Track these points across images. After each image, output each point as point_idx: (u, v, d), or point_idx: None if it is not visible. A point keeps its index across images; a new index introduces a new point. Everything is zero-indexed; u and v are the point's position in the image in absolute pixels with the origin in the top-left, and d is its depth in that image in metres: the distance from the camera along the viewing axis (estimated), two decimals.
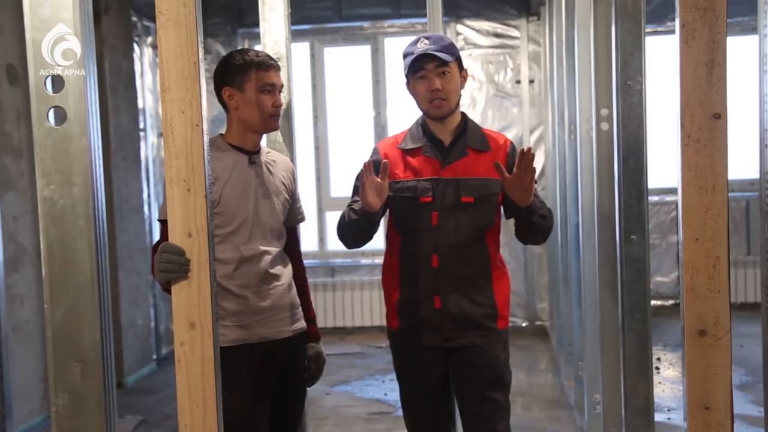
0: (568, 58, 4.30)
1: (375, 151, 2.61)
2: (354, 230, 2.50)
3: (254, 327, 2.35)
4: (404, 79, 2.59)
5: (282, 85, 2.44)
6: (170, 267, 1.82)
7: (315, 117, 6.79)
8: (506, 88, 6.60)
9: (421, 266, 2.49)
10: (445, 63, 2.46)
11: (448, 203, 2.47)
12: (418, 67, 2.47)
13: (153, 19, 6.02)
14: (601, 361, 3.22)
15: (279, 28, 2.69)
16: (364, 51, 6.80)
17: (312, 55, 6.77)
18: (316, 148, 6.79)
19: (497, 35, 6.60)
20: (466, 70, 2.57)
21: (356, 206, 2.44)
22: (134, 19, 5.76)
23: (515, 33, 6.58)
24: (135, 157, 5.70)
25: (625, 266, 2.60)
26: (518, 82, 6.59)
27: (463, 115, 2.59)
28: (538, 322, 6.59)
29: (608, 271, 3.12)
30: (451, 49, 2.50)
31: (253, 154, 2.41)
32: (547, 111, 5.89)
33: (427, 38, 2.51)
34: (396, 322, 2.57)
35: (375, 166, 2.51)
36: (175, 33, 1.82)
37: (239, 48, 2.41)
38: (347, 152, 6.83)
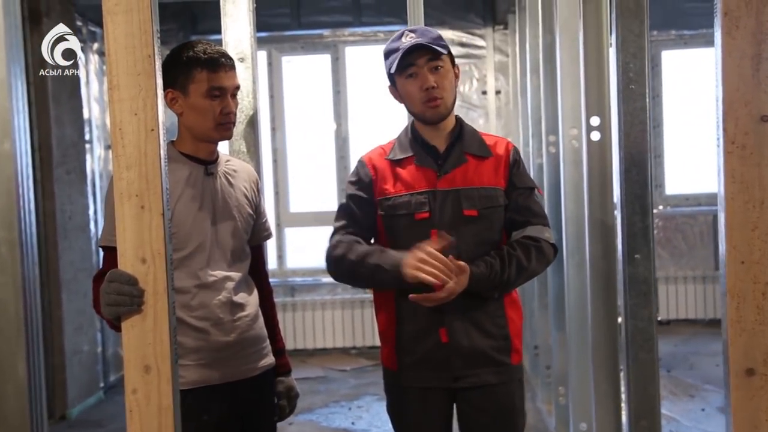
0: (546, 65, 4.08)
1: (362, 165, 2.26)
2: (367, 279, 2.15)
3: (216, 366, 2.03)
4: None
5: (237, 87, 2.09)
6: (120, 299, 1.51)
7: (273, 128, 6.49)
8: (472, 99, 6.40)
9: None
10: (437, 56, 2.13)
11: (448, 218, 2.14)
12: (407, 63, 2.13)
13: (99, 23, 5.58)
14: (594, 391, 2.97)
15: (242, 24, 2.41)
16: (324, 60, 6.52)
17: (270, 64, 6.47)
18: (274, 160, 6.48)
19: (462, 44, 6.39)
20: (458, 67, 2.24)
21: (388, 260, 2.07)
22: (79, 23, 5.39)
23: (481, 42, 6.38)
24: (80, 171, 5.32)
25: (628, 288, 2.37)
26: (484, 92, 6.39)
27: (457, 118, 2.28)
28: None
29: (602, 292, 2.88)
30: (442, 42, 2.17)
31: (209, 164, 2.09)
32: (516, 122, 5.69)
33: (412, 31, 2.18)
34: (395, 362, 2.22)
35: (366, 183, 2.22)
36: (125, 20, 1.53)
37: (190, 41, 2.07)
38: (307, 165, 6.55)
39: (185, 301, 2.00)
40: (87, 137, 5.50)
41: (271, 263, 6.28)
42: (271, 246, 6.44)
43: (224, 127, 2.06)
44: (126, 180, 1.53)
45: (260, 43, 6.34)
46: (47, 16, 4.92)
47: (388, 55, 2.19)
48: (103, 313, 1.62)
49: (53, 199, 4.92)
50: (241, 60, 2.41)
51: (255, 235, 2.22)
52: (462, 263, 2.02)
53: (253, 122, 2.43)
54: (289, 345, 6.21)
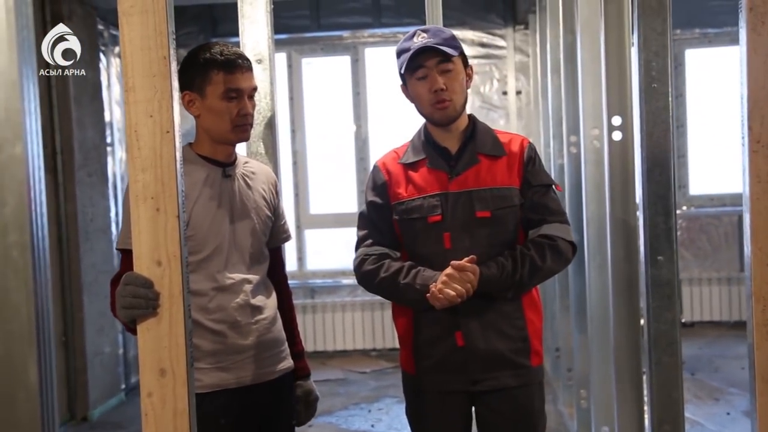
0: (567, 65, 4.04)
1: (376, 170, 2.24)
2: (396, 296, 2.17)
3: (234, 369, 2.02)
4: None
5: (254, 89, 2.08)
6: (135, 302, 1.50)
7: (293, 130, 6.48)
8: (492, 99, 6.36)
9: None
10: (448, 58, 2.11)
11: (461, 221, 2.11)
12: (417, 64, 2.11)
13: None
14: (616, 394, 2.93)
15: (260, 26, 2.39)
16: (343, 62, 6.51)
17: (289, 66, 6.47)
18: (294, 162, 6.48)
19: (482, 45, 6.35)
20: (471, 68, 2.22)
21: (419, 280, 2.07)
22: (100, 27, 5.42)
23: (501, 42, 6.33)
24: (101, 174, 5.35)
25: (651, 291, 2.32)
26: (505, 93, 6.34)
27: (471, 117, 2.25)
28: None
29: (625, 295, 2.83)
30: (454, 42, 2.14)
31: (227, 165, 2.08)
32: (537, 123, 5.64)
33: (424, 31, 2.15)
34: (413, 365, 2.20)
35: (381, 188, 2.21)
36: (140, 21, 1.52)
37: (207, 42, 2.06)
38: (327, 167, 6.54)
39: (203, 304, 1.99)
40: (108, 140, 5.52)
41: (291, 265, 6.28)
42: (291, 248, 6.47)
43: (241, 128, 2.05)
44: (141, 182, 1.52)
45: (280, 44, 6.35)
46: (69, 19, 4.95)
47: (399, 54, 2.17)
48: (118, 316, 1.61)
49: (74, 201, 4.94)
50: (259, 62, 2.40)
51: (273, 237, 2.21)
52: (469, 265, 2.01)
53: (271, 124, 2.42)
54: (309, 347, 6.21)
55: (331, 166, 6.55)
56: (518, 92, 6.31)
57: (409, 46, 2.13)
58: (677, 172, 6.52)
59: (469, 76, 2.21)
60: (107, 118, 5.51)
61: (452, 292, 1.99)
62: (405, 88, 2.21)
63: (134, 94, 1.52)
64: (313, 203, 6.49)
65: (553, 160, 4.71)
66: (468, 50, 6.27)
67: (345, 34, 6.45)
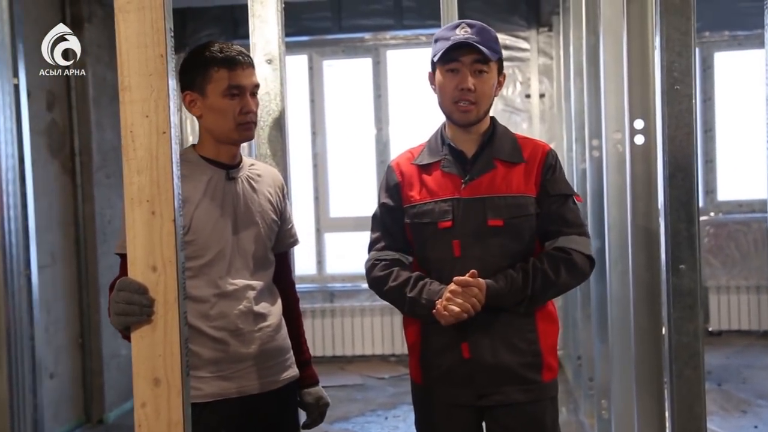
0: (590, 68, 3.95)
1: (390, 170, 2.18)
2: (403, 308, 2.10)
3: (235, 378, 1.96)
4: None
5: (256, 86, 2.02)
6: (129, 309, 1.45)
7: (313, 133, 6.44)
8: (515, 102, 6.26)
9: None
10: (485, 60, 2.03)
11: (472, 228, 2.03)
12: (452, 57, 2.02)
13: None
14: (637, 406, 2.83)
15: (271, 25, 2.34)
16: (365, 64, 6.46)
17: (310, 68, 6.43)
18: (315, 165, 6.43)
19: (505, 47, 6.25)
20: (504, 76, 2.14)
21: (425, 295, 2.01)
22: None
23: (524, 45, 6.24)
24: (120, 175, 5.30)
25: (672, 301, 2.23)
26: (528, 96, 6.24)
27: (493, 120, 2.16)
28: None
29: (646, 304, 2.74)
30: (496, 46, 2.06)
31: (231, 168, 2.03)
32: (560, 126, 5.55)
33: (470, 26, 2.05)
34: (419, 375, 2.13)
35: (394, 190, 2.14)
36: (137, 17, 1.47)
37: (207, 41, 2.02)
38: (347, 170, 6.49)
39: (204, 311, 1.93)
40: None
41: (310, 269, 6.23)
42: (310, 251, 6.43)
43: (245, 126, 1.99)
44: (137, 185, 1.48)
45: (301, 46, 6.33)
46: (89, 21, 4.95)
47: (437, 40, 2.09)
48: (113, 323, 1.56)
49: (92, 203, 4.94)
50: (269, 62, 2.35)
51: (280, 241, 2.15)
52: (472, 280, 1.94)
53: (280, 126, 2.36)
54: (328, 351, 6.16)
55: (351, 170, 6.50)
56: (542, 95, 6.21)
57: (449, 35, 2.04)
58: (705, 178, 6.42)
59: (501, 84, 2.13)
60: None
61: (456, 309, 1.93)
62: (432, 75, 2.13)
63: (130, 93, 1.47)
64: (333, 206, 6.44)
65: (575, 165, 4.62)
66: None
67: (366, 36, 6.39)
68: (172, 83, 1.48)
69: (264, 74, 2.33)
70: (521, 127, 6.21)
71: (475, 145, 2.11)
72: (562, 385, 5.47)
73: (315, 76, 6.45)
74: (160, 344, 1.48)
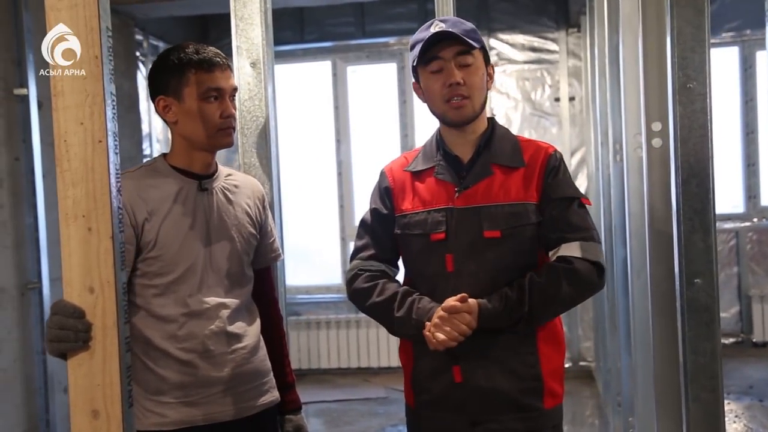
0: (612, 68, 3.76)
1: (382, 176, 2.05)
2: (388, 326, 1.93)
3: (203, 404, 1.82)
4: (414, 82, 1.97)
5: (234, 89, 1.90)
6: (62, 334, 1.34)
7: (338, 140, 6.33)
8: (544, 106, 6.06)
9: None
10: (467, 50, 1.85)
11: (466, 241, 1.85)
12: (433, 55, 1.86)
13: (161, 37, 5.52)
14: (657, 426, 2.64)
15: (254, 26, 2.21)
16: (389, 69, 6.32)
17: (334, 74, 6.32)
18: (339, 173, 6.32)
19: (534, 49, 6.07)
20: (492, 66, 1.95)
21: (415, 315, 1.84)
22: (139, 37, 5.37)
23: (553, 47, 6.04)
24: None
25: (687, 318, 2.04)
26: (557, 99, 6.03)
27: (491, 121, 1.99)
28: (582, 363, 5.96)
29: (666, 317, 2.54)
30: (475, 35, 1.88)
31: (204, 178, 1.90)
32: (590, 130, 5.34)
33: (442, 21, 1.89)
34: (412, 398, 1.97)
35: (385, 195, 2.00)
36: (69, 15, 1.35)
37: (178, 44, 1.89)
38: (372, 178, 6.34)
39: (171, 331, 1.80)
40: (147, 151, 5.46)
41: (335, 278, 6.09)
42: (335, 261, 6.31)
43: (225, 132, 1.87)
44: (71, 198, 1.36)
45: (324, 52, 6.23)
46: None
47: (413, 46, 1.91)
48: (47, 350, 1.44)
49: None
50: (253, 65, 2.22)
51: (260, 256, 2.02)
52: (460, 305, 1.78)
53: (265, 132, 2.24)
54: (353, 363, 6.03)
55: (376, 177, 6.35)
56: (571, 98, 5.99)
57: (424, 36, 1.87)
58: (747, 182, 6.13)
59: (491, 77, 1.95)
60: (146, 129, 5.45)
61: (443, 336, 1.77)
62: (417, 85, 1.97)
63: (63, 98, 1.35)
64: (359, 214, 6.30)
65: (601, 170, 4.42)
66: (518, 55, 6.05)
67: (391, 40, 6.27)
68: (111, 87, 1.36)
69: (247, 78, 2.21)
70: (551, 131, 6.00)
71: (471, 149, 1.95)
72: (594, 399, 5.25)
73: (339, 83, 6.33)
74: (98, 373, 1.36)
